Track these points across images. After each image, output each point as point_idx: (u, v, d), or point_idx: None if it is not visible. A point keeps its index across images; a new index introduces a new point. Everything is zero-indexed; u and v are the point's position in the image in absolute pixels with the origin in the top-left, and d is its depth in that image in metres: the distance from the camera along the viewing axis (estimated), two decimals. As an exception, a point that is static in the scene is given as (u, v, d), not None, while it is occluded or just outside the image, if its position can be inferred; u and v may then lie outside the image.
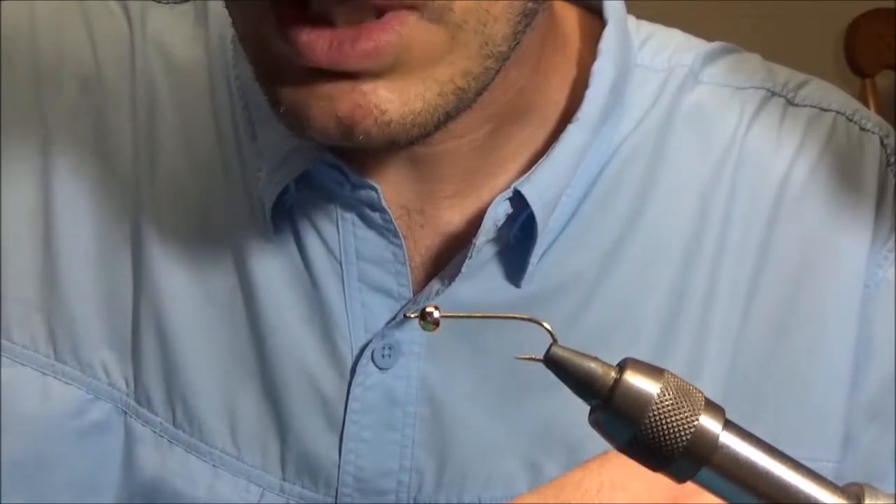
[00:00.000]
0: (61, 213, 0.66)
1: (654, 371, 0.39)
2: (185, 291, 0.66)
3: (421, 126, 0.54)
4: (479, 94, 0.56)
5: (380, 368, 0.64)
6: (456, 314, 0.46)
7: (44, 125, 0.67)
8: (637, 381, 0.39)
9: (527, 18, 0.56)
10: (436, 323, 0.41)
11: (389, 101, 0.53)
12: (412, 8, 0.52)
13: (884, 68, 2.21)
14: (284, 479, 0.66)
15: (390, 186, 0.63)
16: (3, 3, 0.70)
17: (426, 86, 0.54)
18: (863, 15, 2.22)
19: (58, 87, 0.67)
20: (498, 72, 0.56)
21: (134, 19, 0.68)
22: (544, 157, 0.63)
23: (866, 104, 2.11)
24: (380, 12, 0.52)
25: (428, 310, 0.41)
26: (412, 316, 0.41)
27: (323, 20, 0.52)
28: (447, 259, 0.64)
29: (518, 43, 0.56)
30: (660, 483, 0.43)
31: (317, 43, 0.52)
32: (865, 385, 0.66)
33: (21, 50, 0.68)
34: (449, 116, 0.55)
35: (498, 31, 0.55)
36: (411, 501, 0.65)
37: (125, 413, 0.66)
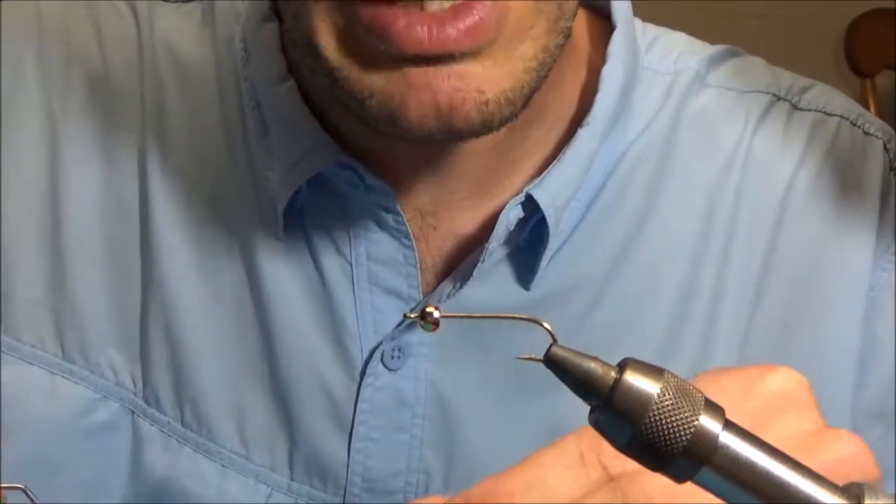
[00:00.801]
0: (69, 212, 0.66)
1: (654, 371, 0.39)
2: (194, 291, 0.66)
3: (512, 104, 0.54)
4: (549, 72, 0.56)
5: (389, 370, 0.64)
6: (456, 314, 0.46)
7: (52, 125, 0.67)
8: (637, 381, 0.39)
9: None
10: (436, 323, 0.41)
11: (487, 81, 0.53)
12: None
13: (884, 68, 2.21)
14: (293, 479, 0.66)
15: (405, 189, 0.63)
16: (6, 2, 0.70)
17: (513, 63, 0.54)
18: (863, 15, 2.22)
19: (66, 86, 0.67)
20: (562, 49, 0.57)
21: (141, 19, 0.68)
22: (556, 161, 0.63)
23: (866, 104, 2.11)
24: None
25: (428, 310, 0.41)
26: (412, 316, 0.41)
27: (409, 4, 0.51)
28: (458, 261, 0.64)
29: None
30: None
31: (415, 27, 0.51)
32: (869, 386, 0.66)
33: (29, 49, 0.68)
34: (531, 94, 0.55)
35: (571, 6, 0.56)
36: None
37: (133, 412, 0.66)
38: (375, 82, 0.53)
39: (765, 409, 0.48)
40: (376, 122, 0.55)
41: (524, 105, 0.55)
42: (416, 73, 0.52)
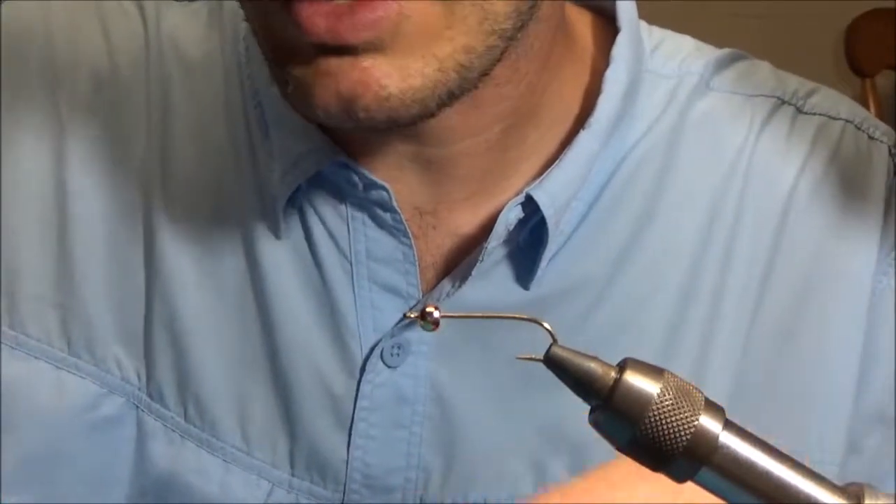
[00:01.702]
0: (75, 209, 0.67)
1: (654, 371, 0.39)
2: (197, 288, 0.66)
3: (421, 102, 0.55)
4: (483, 74, 0.57)
5: (389, 367, 0.65)
6: (455, 314, 0.46)
7: (58, 123, 0.67)
8: (637, 381, 0.39)
9: None
10: (435, 323, 0.41)
11: (389, 76, 0.54)
12: None
13: (884, 68, 2.21)
14: (293, 475, 0.66)
15: (404, 188, 0.64)
16: (12, 2, 0.70)
17: (426, 61, 0.55)
18: (863, 15, 2.22)
19: (72, 85, 0.68)
20: (504, 52, 0.57)
21: (148, 18, 0.69)
22: (556, 162, 0.63)
23: (866, 105, 2.11)
24: None
25: (428, 310, 0.41)
26: (412, 316, 0.41)
27: None
28: (458, 260, 0.65)
29: (524, 25, 0.57)
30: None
31: (317, 16, 0.53)
32: (870, 390, 0.66)
33: (36, 48, 0.68)
34: (452, 95, 0.56)
35: (499, 8, 0.55)
36: (418, 499, 0.65)
37: (137, 407, 0.67)
38: (293, 71, 0.56)
39: None
40: (297, 108, 0.57)
41: (444, 104, 0.56)
42: (324, 63, 0.54)
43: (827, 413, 0.66)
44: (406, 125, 0.56)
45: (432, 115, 0.56)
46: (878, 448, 0.66)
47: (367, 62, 0.54)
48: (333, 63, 0.54)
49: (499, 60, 0.57)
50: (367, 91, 0.54)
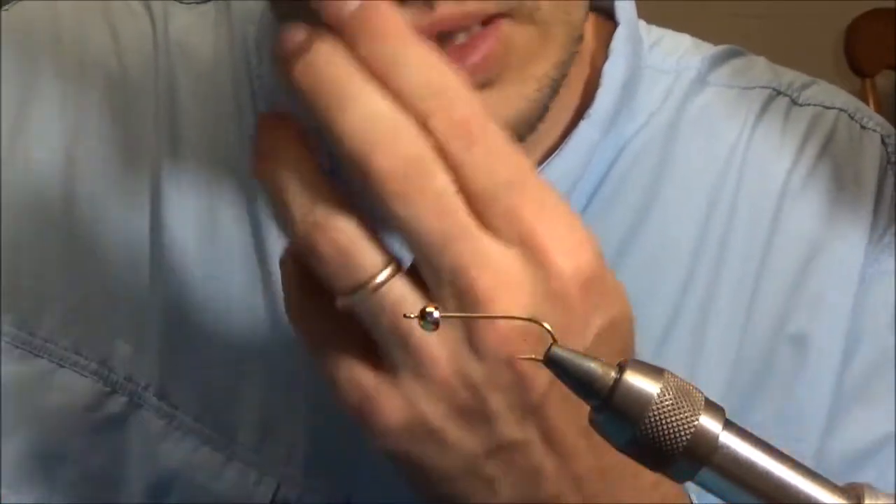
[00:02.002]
0: (83, 209, 0.67)
1: (654, 371, 0.39)
2: (203, 287, 0.66)
3: (527, 123, 0.57)
4: (564, 78, 0.58)
5: None
6: (455, 314, 0.46)
7: (68, 124, 0.67)
8: (637, 381, 0.39)
9: None
10: (435, 323, 0.41)
11: (499, 105, 0.54)
12: (504, 15, 0.54)
13: (884, 68, 2.22)
14: (300, 473, 0.66)
15: None
16: (18, 2, 0.71)
17: (526, 84, 0.56)
18: (863, 15, 2.22)
19: (81, 85, 0.68)
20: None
21: (157, 18, 0.69)
22: (556, 152, 0.64)
23: (866, 104, 2.11)
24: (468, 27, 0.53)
25: (428, 309, 0.41)
26: (412, 316, 0.41)
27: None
28: None
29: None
30: None
31: None
32: (851, 371, 0.67)
33: (45, 49, 0.68)
34: (546, 108, 0.58)
35: (579, 16, 0.57)
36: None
37: (141, 406, 0.67)
38: None
39: None
40: None
41: (542, 118, 0.58)
42: None
43: (810, 392, 0.66)
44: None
45: (534, 129, 0.57)
46: (860, 427, 0.67)
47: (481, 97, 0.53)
48: None
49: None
50: None
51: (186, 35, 0.69)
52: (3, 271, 0.66)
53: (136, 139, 0.67)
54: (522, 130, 0.56)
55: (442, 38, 0.53)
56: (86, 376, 0.66)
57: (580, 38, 0.59)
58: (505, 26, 0.54)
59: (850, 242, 0.67)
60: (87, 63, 0.68)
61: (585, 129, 0.64)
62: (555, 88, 0.57)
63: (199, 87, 0.68)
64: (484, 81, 0.54)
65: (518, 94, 0.55)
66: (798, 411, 0.66)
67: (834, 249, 0.67)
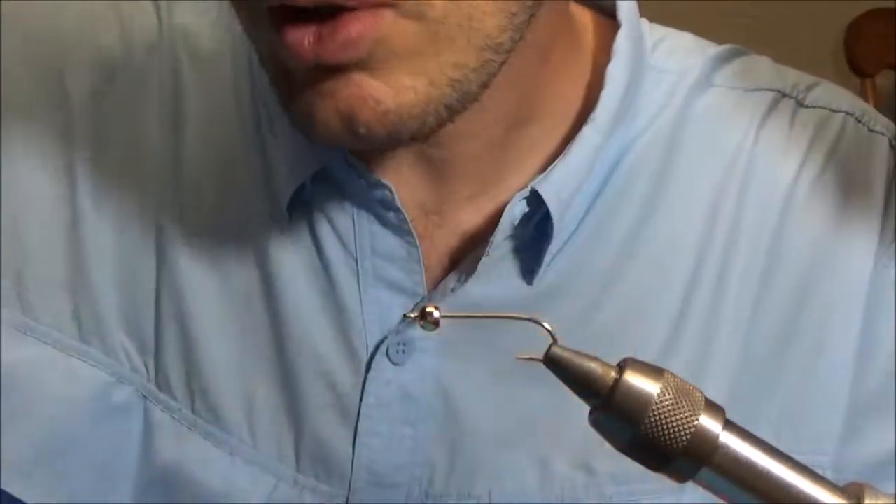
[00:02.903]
0: (86, 200, 0.67)
1: (654, 371, 0.39)
2: (206, 282, 0.66)
3: (418, 118, 0.56)
4: (483, 86, 0.57)
5: (394, 364, 0.65)
6: (455, 314, 0.46)
7: (69, 114, 0.68)
8: (637, 381, 0.39)
9: (530, 9, 0.57)
10: (435, 323, 0.41)
11: (383, 92, 0.55)
12: (386, 5, 0.54)
13: (884, 68, 2.21)
14: (298, 471, 0.66)
15: (407, 187, 0.64)
16: (17, 1, 0.71)
17: (415, 77, 0.55)
18: (863, 15, 2.22)
19: (83, 75, 0.68)
20: (503, 63, 0.57)
21: (162, 12, 0.69)
22: (560, 157, 0.63)
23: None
24: (355, 7, 0.54)
25: (428, 310, 0.41)
26: (412, 316, 0.41)
27: (308, 20, 0.54)
28: (464, 258, 0.65)
29: (522, 36, 0.57)
30: None
31: (302, 39, 0.54)
32: (867, 380, 0.66)
33: (48, 40, 0.69)
34: (451, 110, 0.56)
35: (491, 25, 0.56)
36: (422, 494, 0.66)
37: (145, 398, 0.67)
38: (295, 96, 0.57)
39: None
40: (301, 130, 0.58)
41: (444, 119, 0.57)
42: (322, 85, 0.56)
43: (824, 402, 0.66)
44: (408, 141, 0.57)
45: (432, 130, 0.57)
46: (875, 438, 0.66)
47: (358, 79, 0.55)
48: (330, 84, 0.55)
49: (498, 70, 0.57)
50: (363, 106, 0.55)
51: (189, 29, 0.69)
52: (9, 258, 0.67)
53: (139, 130, 0.67)
54: (413, 125, 0.56)
55: (331, 13, 0.54)
56: (92, 365, 0.67)
57: (505, 49, 0.57)
58: (388, 15, 0.54)
59: (859, 246, 0.67)
60: (91, 51, 0.68)
61: (589, 133, 0.64)
62: (463, 92, 0.56)
63: (202, 78, 0.68)
64: (364, 61, 0.55)
65: (404, 86, 0.55)
66: (810, 418, 0.66)
67: (843, 253, 0.66)
